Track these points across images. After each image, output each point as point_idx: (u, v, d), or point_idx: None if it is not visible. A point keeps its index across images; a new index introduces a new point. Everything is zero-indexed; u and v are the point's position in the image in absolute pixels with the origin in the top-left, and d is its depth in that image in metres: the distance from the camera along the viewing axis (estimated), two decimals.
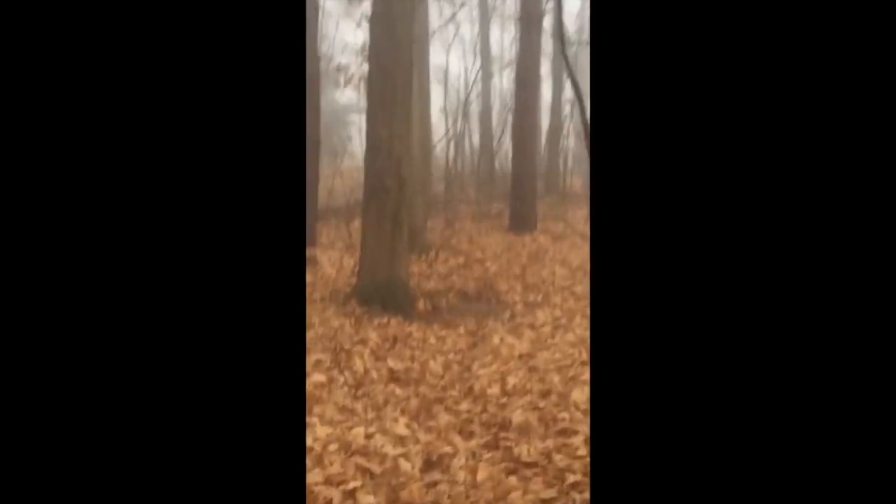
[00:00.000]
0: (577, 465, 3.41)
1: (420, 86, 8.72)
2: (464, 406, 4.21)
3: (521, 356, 5.15)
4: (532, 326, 5.93)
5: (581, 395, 4.35)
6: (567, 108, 16.34)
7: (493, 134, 16.32)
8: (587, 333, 5.70)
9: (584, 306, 6.52)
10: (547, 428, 3.90)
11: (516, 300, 6.82)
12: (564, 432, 3.82)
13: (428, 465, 3.48)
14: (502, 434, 3.80)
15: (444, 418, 4.00)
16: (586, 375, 4.73)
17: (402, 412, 4.06)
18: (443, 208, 11.76)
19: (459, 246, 9.34)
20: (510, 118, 15.08)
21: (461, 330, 5.84)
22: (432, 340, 5.50)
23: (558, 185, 15.17)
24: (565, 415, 4.06)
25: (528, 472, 3.35)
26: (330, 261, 8.03)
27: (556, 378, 4.64)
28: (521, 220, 10.63)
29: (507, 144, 16.21)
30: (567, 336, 5.61)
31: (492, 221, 11.48)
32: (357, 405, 4.11)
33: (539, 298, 6.86)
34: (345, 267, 7.71)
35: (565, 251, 9.22)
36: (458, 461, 3.50)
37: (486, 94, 17.26)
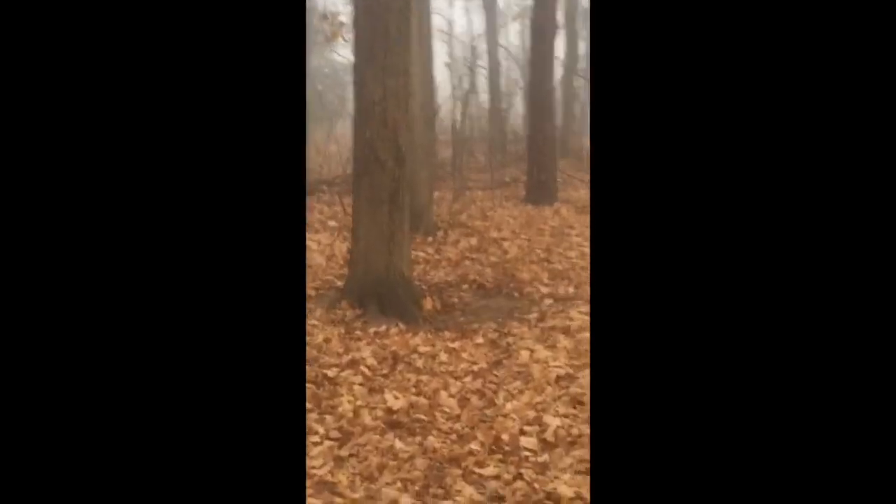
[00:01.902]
0: None
1: (420, 36, 7.40)
2: (490, 469, 3.03)
3: (558, 379, 3.96)
4: (566, 331, 4.73)
5: None
6: (582, 63, 15.01)
7: (503, 93, 15.00)
8: None
9: None
10: None
11: (543, 293, 5.61)
12: None
13: None
14: None
15: (464, 493, 2.83)
16: None
17: (404, 486, 2.88)
18: (450, 178, 10.49)
19: (471, 223, 8.07)
20: (520, 75, 13.83)
21: (479, 338, 4.65)
22: (443, 357, 4.30)
23: (572, 148, 13.89)
24: None
25: None
26: (319, 246, 6.79)
27: None
28: (540, 190, 9.36)
29: (517, 104, 14.96)
30: None
31: (506, 191, 10.22)
32: (341, 474, 2.94)
33: (571, 290, 5.64)
34: (336, 254, 6.50)
35: None
36: None
37: (492, 49, 15.87)
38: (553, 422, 3.42)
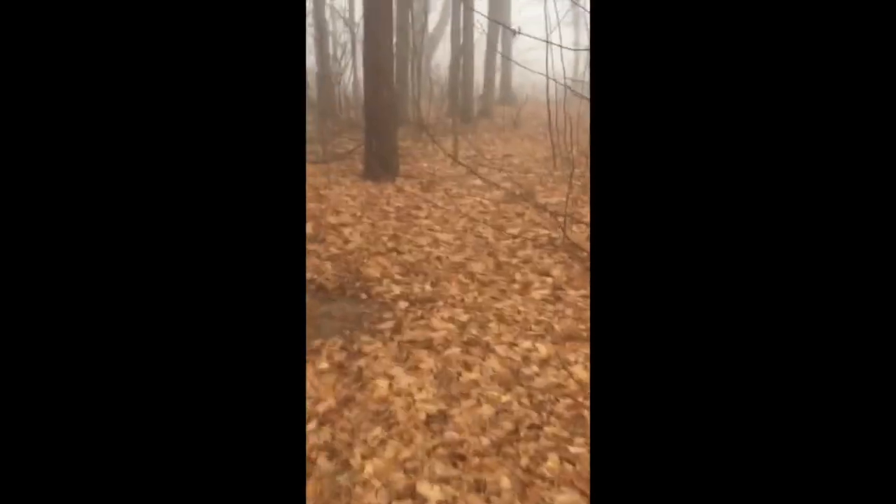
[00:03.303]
0: None
1: None
2: None
3: (428, 420, 3.10)
4: (430, 346, 3.87)
5: None
6: (418, 25, 14.11)
7: (336, 57, 13.89)
8: (517, 357, 3.71)
9: (493, 300, 4.53)
10: None
11: (395, 293, 4.72)
12: None
13: None
14: None
15: None
16: (553, 461, 2.75)
17: None
18: None
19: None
20: (353, 38, 12.83)
21: (323, 362, 3.71)
22: None
23: (409, 116, 13.02)
24: None
25: None
26: None
27: (504, 480, 2.63)
28: (380, 164, 8.42)
29: (351, 70, 13.95)
30: (489, 362, 3.61)
31: (340, 165, 9.23)
32: None
33: (428, 288, 4.79)
34: None
35: (441, 206, 7.16)
36: None
37: (318, 10, 14.67)
38: (431, 494, 2.56)
